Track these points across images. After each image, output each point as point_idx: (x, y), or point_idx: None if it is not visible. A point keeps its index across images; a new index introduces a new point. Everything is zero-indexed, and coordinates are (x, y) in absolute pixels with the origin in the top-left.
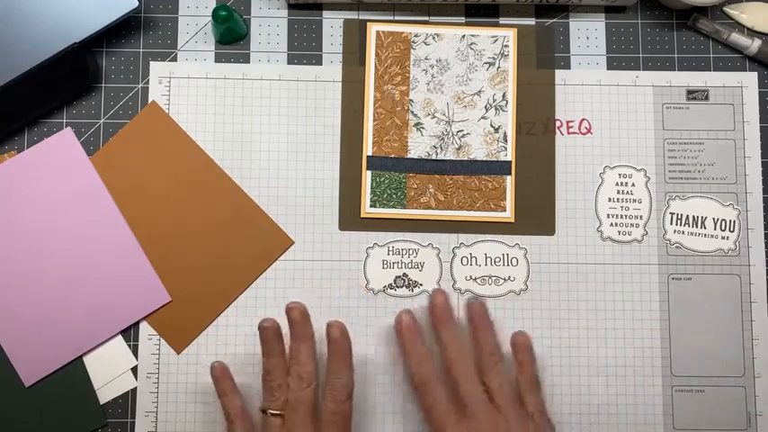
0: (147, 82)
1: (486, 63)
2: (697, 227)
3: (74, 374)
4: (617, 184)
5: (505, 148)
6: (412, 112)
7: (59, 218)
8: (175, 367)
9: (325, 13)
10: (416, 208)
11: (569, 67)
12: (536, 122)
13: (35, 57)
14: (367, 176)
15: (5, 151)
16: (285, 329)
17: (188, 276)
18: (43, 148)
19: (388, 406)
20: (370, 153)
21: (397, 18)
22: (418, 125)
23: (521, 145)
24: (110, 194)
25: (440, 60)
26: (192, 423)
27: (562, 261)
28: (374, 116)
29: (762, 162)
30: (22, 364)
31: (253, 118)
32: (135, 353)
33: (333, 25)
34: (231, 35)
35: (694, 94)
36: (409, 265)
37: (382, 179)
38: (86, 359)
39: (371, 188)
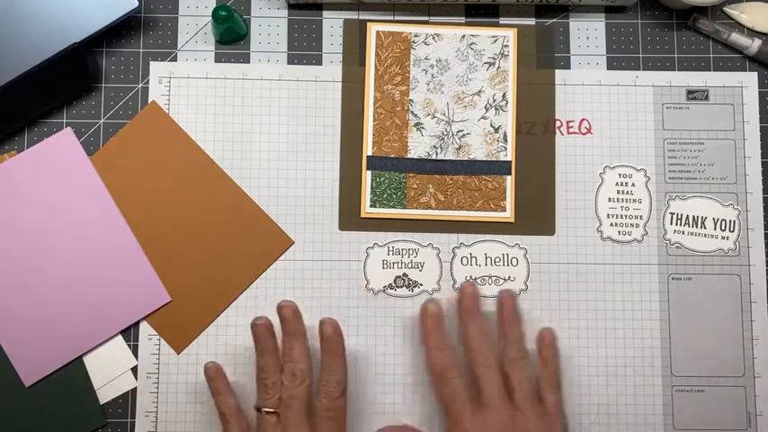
0: (147, 82)
1: (486, 63)
2: (697, 227)
3: (74, 374)
4: (617, 184)
5: (505, 148)
6: (412, 112)
7: (59, 218)
8: (175, 367)
9: (326, 13)
10: (416, 208)
11: (569, 67)
12: (536, 122)
13: (35, 57)
14: (367, 176)
15: (5, 151)
16: (278, 328)
17: (188, 276)
18: (43, 148)
19: (389, 406)
20: (370, 153)
21: (397, 18)
22: (418, 125)
23: (521, 145)
24: (110, 194)
25: (440, 60)
26: (191, 423)
27: (562, 261)
28: (374, 116)
29: (762, 162)
30: (22, 364)
31: (253, 118)
32: (135, 353)
33: (333, 25)
34: (231, 35)
35: (694, 94)
36: (409, 265)
37: (382, 179)
38: (86, 359)
39: (371, 188)
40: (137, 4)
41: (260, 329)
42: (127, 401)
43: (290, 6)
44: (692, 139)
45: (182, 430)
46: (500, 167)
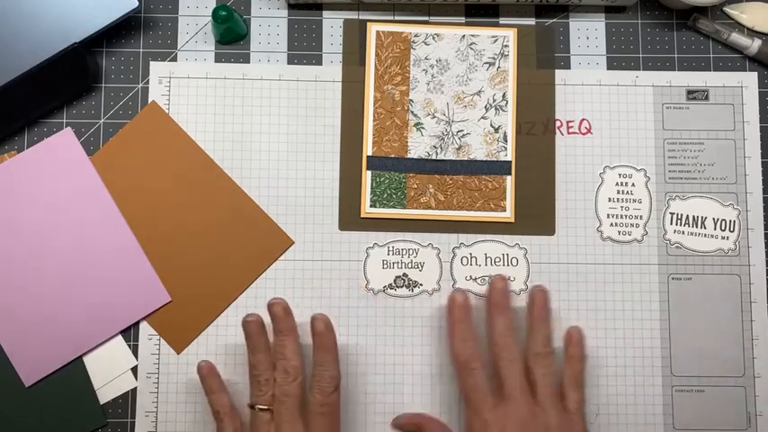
0: (147, 82)
1: (486, 63)
2: (697, 227)
3: (74, 374)
4: (617, 184)
5: (505, 148)
6: (412, 112)
7: (59, 218)
8: (175, 367)
9: (326, 13)
10: (416, 208)
11: (569, 67)
12: (536, 122)
13: (35, 57)
14: (367, 176)
15: (5, 151)
16: (270, 325)
17: (188, 276)
18: (43, 148)
19: (389, 406)
20: (370, 153)
21: (397, 18)
22: (418, 125)
23: (521, 145)
24: (110, 194)
25: (440, 60)
26: (192, 423)
27: (562, 261)
28: (374, 116)
29: (762, 162)
30: (22, 364)
31: (253, 118)
32: (135, 353)
33: (333, 25)
34: (231, 35)
35: (694, 94)
36: (409, 265)
37: (382, 179)
38: (86, 359)
39: (371, 188)
40: (137, 4)
41: (251, 326)
42: (127, 401)
43: (290, 6)
44: (692, 139)
45: (182, 430)
46: (500, 167)
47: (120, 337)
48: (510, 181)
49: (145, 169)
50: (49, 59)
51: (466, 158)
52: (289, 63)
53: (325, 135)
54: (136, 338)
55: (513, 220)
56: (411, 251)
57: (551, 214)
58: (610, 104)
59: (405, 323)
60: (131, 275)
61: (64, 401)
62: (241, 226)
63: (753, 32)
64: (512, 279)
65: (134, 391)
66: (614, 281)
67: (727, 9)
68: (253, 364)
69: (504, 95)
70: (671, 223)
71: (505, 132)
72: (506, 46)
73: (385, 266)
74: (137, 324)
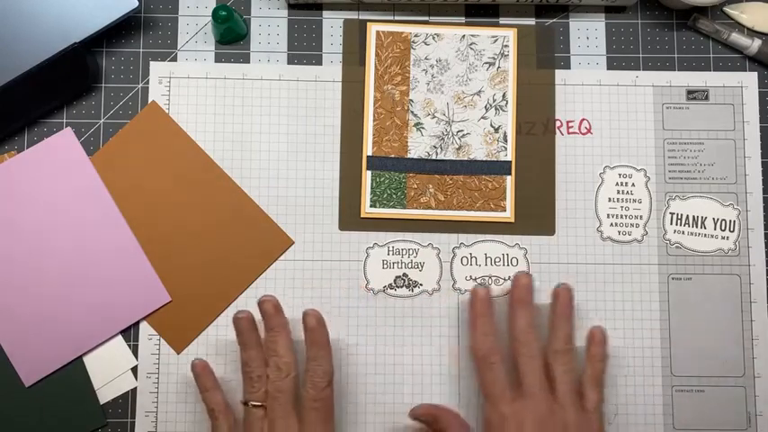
0: (147, 82)
1: (486, 63)
2: (697, 227)
3: (74, 374)
4: (617, 184)
5: (505, 148)
6: (412, 112)
7: (59, 218)
8: (175, 367)
9: (326, 13)
10: (416, 208)
11: (569, 67)
12: (536, 122)
13: (35, 57)
14: (367, 176)
15: (5, 151)
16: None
17: (188, 276)
18: (43, 148)
19: (389, 406)
20: (370, 153)
21: (397, 18)
22: (418, 125)
23: (521, 145)
24: (110, 194)
25: (440, 60)
26: (192, 423)
27: (562, 261)
28: (374, 116)
29: (762, 162)
30: (22, 364)
31: (253, 118)
32: (135, 353)
33: (333, 25)
34: (231, 35)
35: (694, 94)
36: (409, 265)
37: (382, 179)
38: (86, 359)
39: (371, 188)
40: (137, 4)
41: (242, 323)
42: (127, 401)
43: (290, 6)
44: (692, 139)
45: (182, 430)
46: (500, 167)
47: (120, 337)
48: (510, 181)
49: (145, 169)
50: (49, 59)
51: (466, 158)
52: (289, 63)
53: (325, 135)
54: (136, 338)
55: (513, 220)
56: (411, 251)
57: (551, 214)
58: (610, 104)
59: (405, 323)
60: (131, 275)
61: (64, 401)
62: (241, 226)
63: (753, 32)
64: (512, 279)
65: (134, 391)
66: (614, 281)
67: (727, 9)
68: (245, 360)
69: (504, 95)
70: (671, 223)
71: (505, 132)
72: (506, 46)
73: (385, 266)
74: (137, 324)
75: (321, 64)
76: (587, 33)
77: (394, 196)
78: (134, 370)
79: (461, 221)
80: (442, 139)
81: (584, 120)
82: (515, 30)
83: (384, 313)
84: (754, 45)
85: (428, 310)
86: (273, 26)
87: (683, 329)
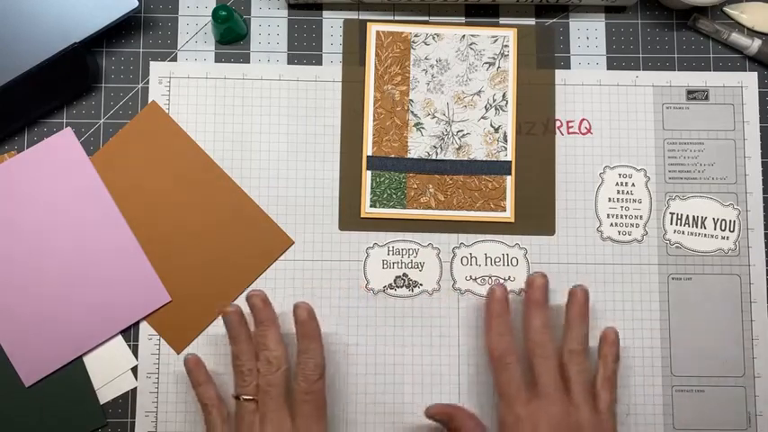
0: (147, 82)
1: (486, 63)
2: (697, 227)
3: (74, 374)
4: (617, 184)
5: (505, 148)
6: (412, 112)
7: (59, 218)
8: (175, 367)
9: (326, 13)
10: (416, 208)
11: (569, 67)
12: (536, 122)
13: (35, 57)
14: (367, 176)
15: (5, 151)
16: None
17: (188, 276)
18: (43, 148)
19: (389, 406)
20: (370, 153)
21: (397, 18)
22: (418, 125)
23: (521, 145)
24: (110, 194)
25: (440, 60)
26: (191, 423)
27: (562, 261)
28: (374, 116)
29: (762, 162)
30: (22, 364)
31: (253, 118)
32: (135, 353)
33: (333, 25)
34: (231, 35)
35: (694, 94)
36: (409, 265)
37: (382, 179)
38: (86, 359)
39: (371, 188)
40: (137, 4)
41: (231, 317)
42: (127, 401)
43: (290, 6)
44: (692, 139)
45: (182, 430)
46: (500, 167)
47: (120, 337)
48: (510, 181)
49: (145, 169)
50: (49, 59)
51: (466, 158)
52: (289, 63)
53: (325, 135)
54: (136, 338)
55: (513, 220)
56: (411, 251)
57: (551, 214)
58: (610, 104)
59: (405, 323)
60: (131, 275)
61: (64, 401)
62: (241, 226)
63: (753, 32)
64: (512, 279)
65: (134, 391)
66: (614, 281)
67: (727, 9)
68: (235, 354)
69: (504, 95)
70: (671, 223)
71: (505, 132)
72: (506, 46)
73: (385, 266)
74: (137, 324)
75: (321, 64)
76: (587, 33)
77: (394, 196)
78: (134, 370)
79: (461, 221)
80: (442, 139)
81: (584, 120)
82: (515, 30)
83: (384, 313)
84: (754, 45)
85: (428, 310)
86: (273, 26)
87: (683, 329)
